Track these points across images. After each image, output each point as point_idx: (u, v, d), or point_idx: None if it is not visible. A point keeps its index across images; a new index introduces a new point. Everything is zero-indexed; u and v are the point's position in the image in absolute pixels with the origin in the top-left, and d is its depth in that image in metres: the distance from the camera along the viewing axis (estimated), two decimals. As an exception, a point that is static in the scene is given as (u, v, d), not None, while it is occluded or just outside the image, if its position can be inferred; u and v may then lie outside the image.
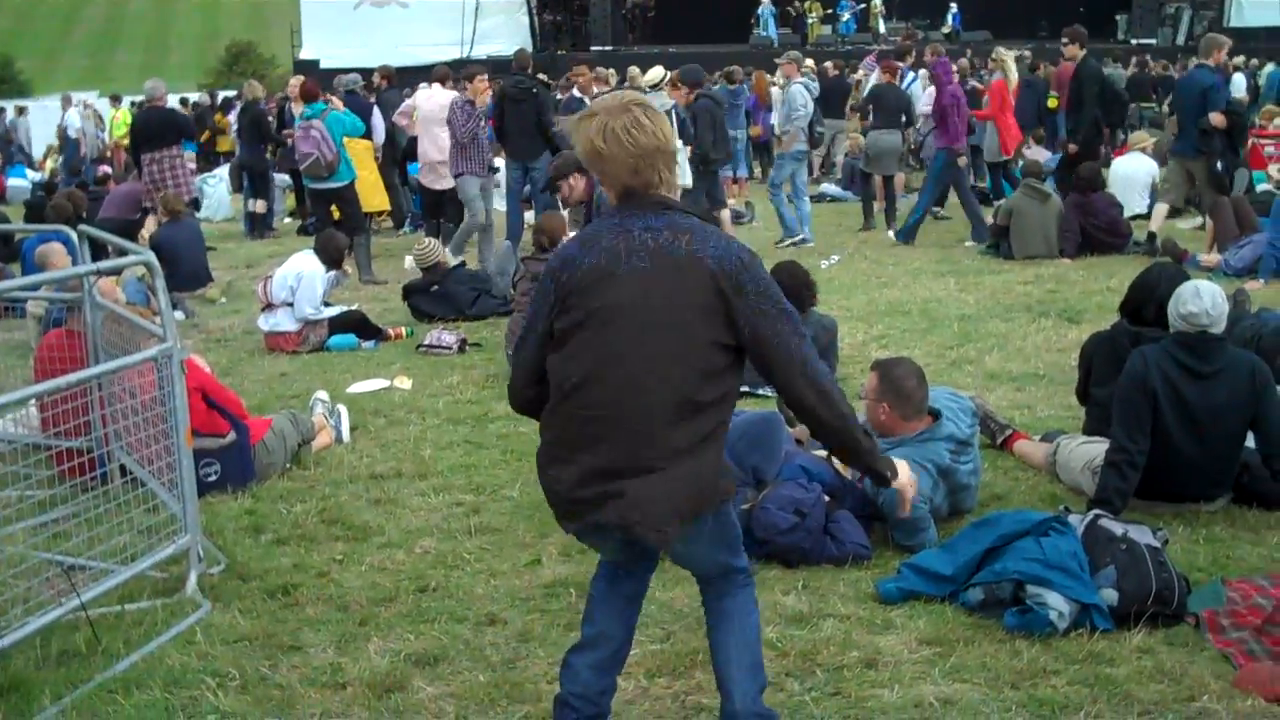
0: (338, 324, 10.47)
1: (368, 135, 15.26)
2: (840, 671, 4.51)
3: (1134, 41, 35.07)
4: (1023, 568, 4.82)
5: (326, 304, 10.54)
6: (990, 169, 17.12)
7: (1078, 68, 14.32)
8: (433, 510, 6.36)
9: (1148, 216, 15.15)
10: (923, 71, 18.14)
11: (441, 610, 5.13)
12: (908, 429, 5.80)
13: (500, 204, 14.87)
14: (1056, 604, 4.68)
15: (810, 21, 36.81)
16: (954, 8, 36.26)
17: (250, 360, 10.12)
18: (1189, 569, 5.11)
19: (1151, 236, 12.99)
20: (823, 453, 6.27)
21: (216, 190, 20.74)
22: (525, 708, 4.33)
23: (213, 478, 6.60)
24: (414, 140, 15.83)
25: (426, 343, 10.04)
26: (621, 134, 3.56)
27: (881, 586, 5.13)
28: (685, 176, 12.55)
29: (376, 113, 16.11)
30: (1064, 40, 15.01)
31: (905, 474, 4.10)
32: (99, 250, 7.34)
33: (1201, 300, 5.65)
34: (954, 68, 15.42)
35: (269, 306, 10.36)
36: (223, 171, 21.64)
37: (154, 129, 15.04)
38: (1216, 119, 12.25)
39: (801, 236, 14.77)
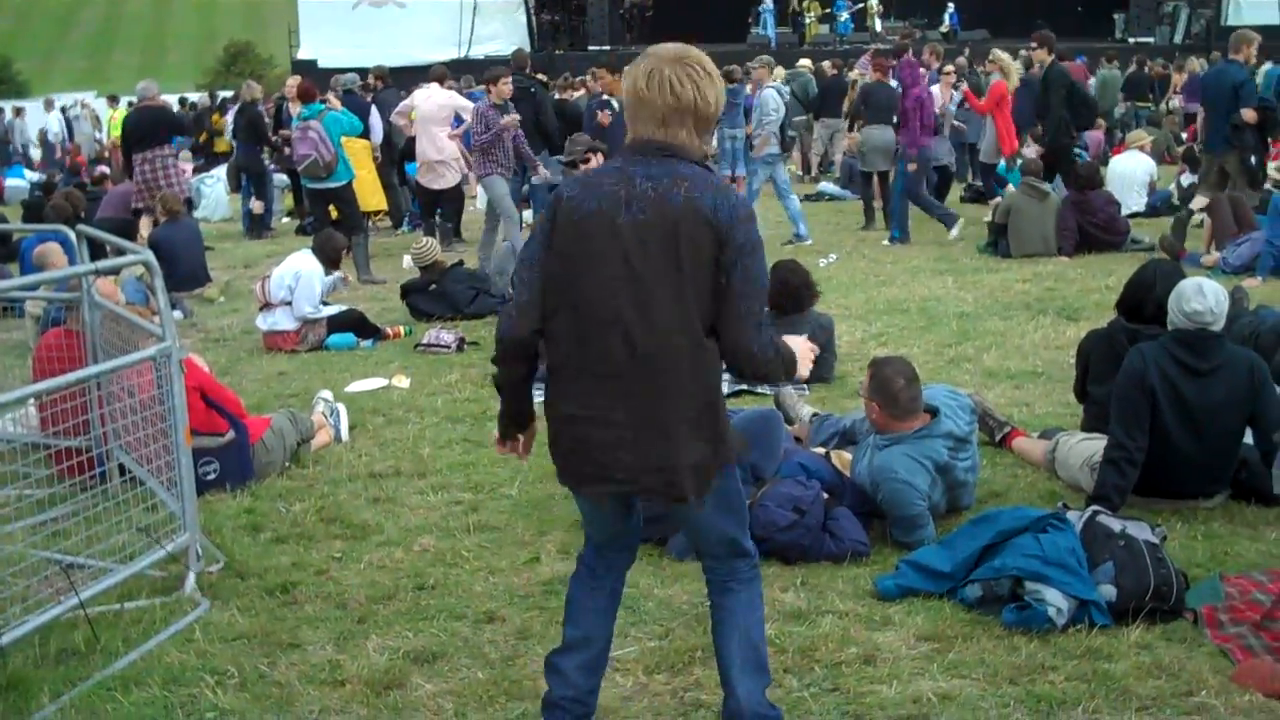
0: (336, 323, 10.47)
1: (365, 135, 15.26)
2: (839, 668, 4.51)
3: (1131, 40, 35.07)
4: (1021, 564, 4.83)
5: (325, 303, 10.54)
6: (984, 169, 17.15)
7: (1046, 71, 14.52)
8: (431, 508, 6.36)
9: (1145, 214, 15.22)
10: (921, 71, 18.16)
11: (440, 608, 5.14)
12: (903, 427, 5.79)
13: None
14: (1055, 600, 4.69)
15: (808, 21, 36.78)
16: (951, 7, 36.23)
17: (249, 359, 10.12)
18: (1187, 565, 5.12)
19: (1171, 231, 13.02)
20: (821, 450, 6.29)
21: (214, 190, 20.73)
22: (524, 705, 4.33)
23: (211, 476, 6.60)
24: (412, 140, 15.83)
25: (425, 341, 10.04)
26: (666, 82, 3.53)
27: (880, 583, 5.14)
28: None
29: (374, 112, 16.10)
30: (1032, 44, 15.14)
31: (800, 346, 3.88)
32: (97, 250, 7.32)
33: (1205, 298, 5.66)
34: (921, 70, 15.51)
35: (267, 306, 10.36)
36: (220, 172, 21.64)
37: (145, 128, 15.01)
38: (1248, 114, 12.37)
39: (795, 233, 14.80)
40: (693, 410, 3.55)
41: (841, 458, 6.16)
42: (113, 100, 29.83)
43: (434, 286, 11.25)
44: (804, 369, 3.85)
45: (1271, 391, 5.74)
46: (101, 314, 6.53)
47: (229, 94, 28.40)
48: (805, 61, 23.56)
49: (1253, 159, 12.72)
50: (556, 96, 18.05)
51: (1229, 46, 13.37)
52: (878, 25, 36.10)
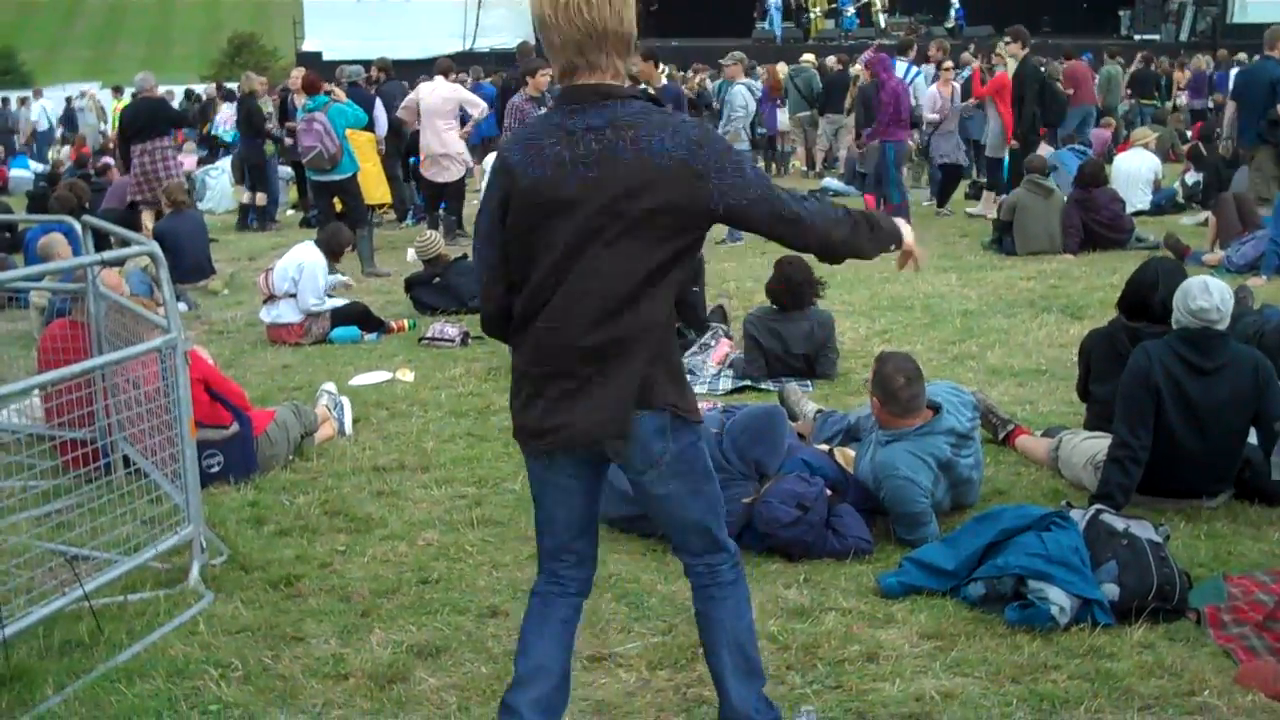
0: (340, 316, 10.47)
1: (370, 128, 15.26)
2: (841, 665, 4.52)
3: (1137, 37, 35.08)
4: (1024, 562, 4.83)
5: (330, 295, 10.55)
6: (990, 164, 17.11)
7: (1019, 66, 14.55)
8: (435, 502, 6.37)
9: (1150, 212, 15.21)
10: (928, 67, 18.16)
11: (444, 602, 5.14)
12: (905, 423, 5.79)
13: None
14: (1058, 599, 4.69)
15: (813, 16, 36.77)
16: (956, 2, 36.21)
17: (253, 352, 10.13)
18: (1190, 565, 5.12)
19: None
20: (825, 446, 6.30)
21: (218, 182, 20.75)
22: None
23: (215, 469, 6.61)
24: (416, 134, 15.82)
25: (429, 335, 10.04)
26: (576, 6, 3.32)
27: (883, 580, 5.14)
28: None
29: (379, 105, 16.10)
30: (1006, 39, 15.21)
31: (909, 237, 3.75)
32: (102, 241, 7.34)
33: (1211, 296, 5.65)
34: (893, 64, 15.70)
35: (271, 298, 10.36)
36: (224, 164, 21.64)
37: (143, 120, 15.01)
38: None
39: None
40: (645, 371, 3.42)
41: (845, 454, 6.17)
42: (117, 91, 29.83)
43: (438, 280, 11.26)
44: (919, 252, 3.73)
45: (1276, 391, 5.73)
46: (106, 305, 6.54)
47: (233, 86, 28.34)
48: (809, 56, 23.53)
49: None
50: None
51: (1265, 43, 13.44)
52: (881, 21, 36.09)
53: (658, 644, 4.71)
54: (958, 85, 16.98)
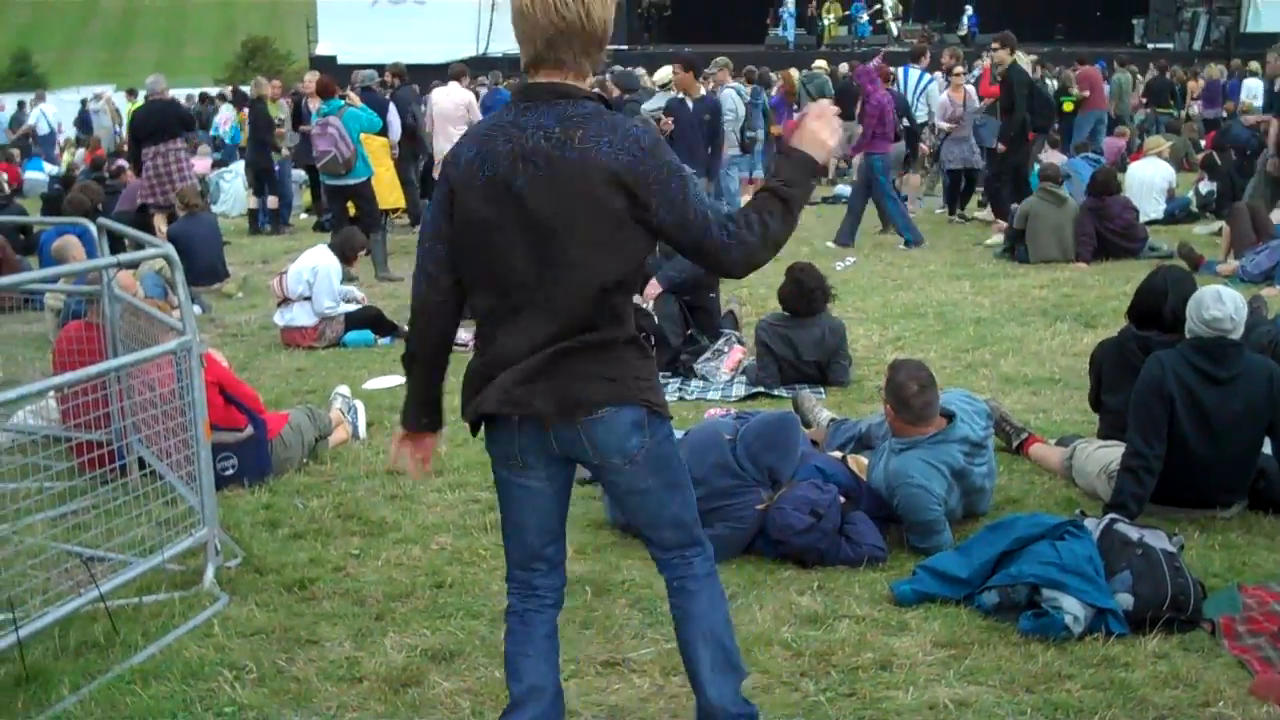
0: (354, 320, 10.49)
1: (384, 132, 15.28)
2: (855, 672, 4.52)
3: (1150, 46, 35.04)
4: (1038, 571, 4.82)
5: (346, 299, 10.59)
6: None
7: (1006, 72, 14.62)
8: (449, 506, 6.38)
9: (1164, 221, 15.20)
10: (939, 74, 18.15)
11: (458, 606, 5.15)
12: (919, 431, 5.79)
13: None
14: (1072, 608, 4.68)
15: (827, 23, 36.79)
16: (970, 10, 36.21)
17: (267, 355, 10.15)
18: (1205, 575, 5.10)
19: None
20: (838, 454, 6.30)
21: (232, 185, 20.79)
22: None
23: (230, 471, 6.62)
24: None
25: (442, 339, 10.03)
26: (552, 1, 3.34)
27: (896, 588, 5.14)
28: None
29: (392, 109, 16.12)
30: (994, 45, 15.26)
31: (818, 141, 3.62)
32: (116, 243, 7.36)
33: (1224, 305, 5.65)
34: (878, 75, 15.77)
35: (285, 301, 10.39)
36: (238, 167, 21.68)
37: (155, 123, 15.04)
38: None
39: None
40: (601, 366, 3.44)
41: (858, 462, 6.16)
42: (131, 94, 29.90)
43: (451, 285, 11.24)
44: (827, 138, 3.59)
45: (1291, 401, 5.73)
46: (121, 307, 6.56)
47: (246, 88, 28.42)
48: (821, 63, 23.56)
49: None
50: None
51: None
52: (893, 28, 36.09)
53: (671, 650, 4.68)
54: (971, 89, 16.98)
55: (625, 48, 35.35)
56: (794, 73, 22.53)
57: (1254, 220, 12.21)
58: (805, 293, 8.47)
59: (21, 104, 33.43)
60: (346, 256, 10.69)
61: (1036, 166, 15.23)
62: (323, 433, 7.30)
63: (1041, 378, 8.46)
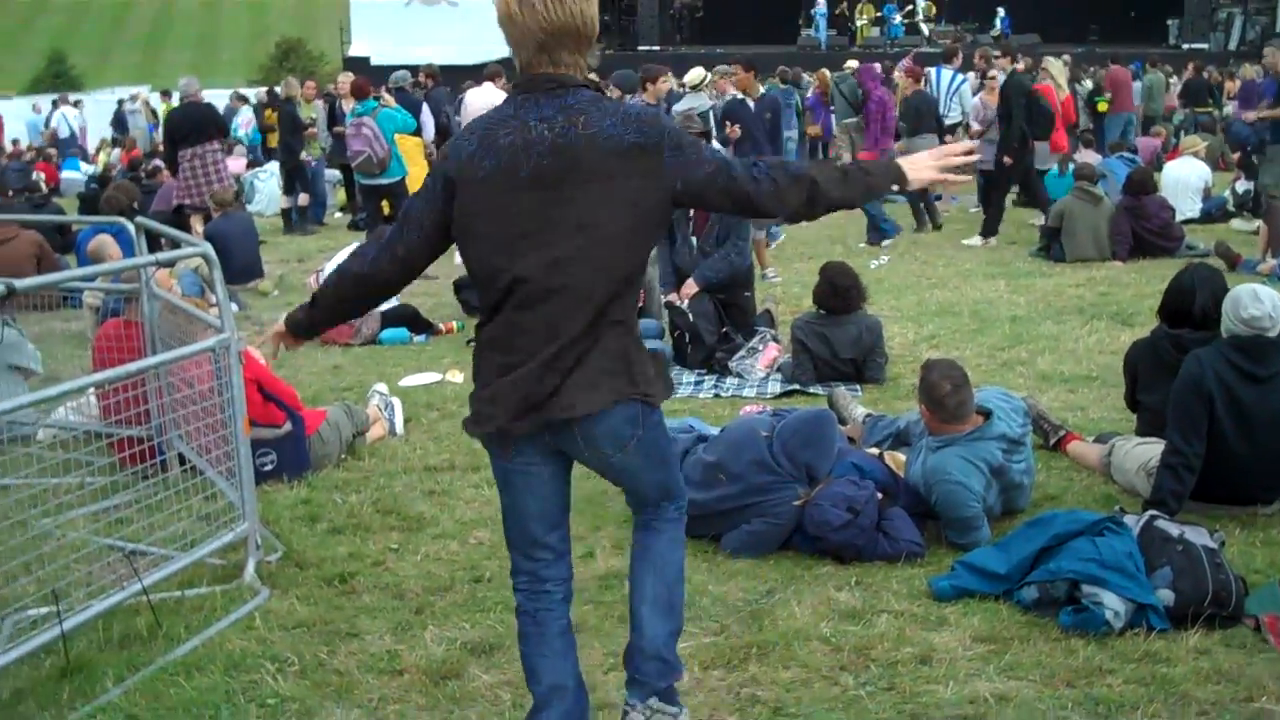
0: (390, 318, 10.54)
1: (418, 132, 15.34)
2: (894, 667, 4.51)
3: (1185, 46, 34.83)
4: (1078, 567, 4.80)
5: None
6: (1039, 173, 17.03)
7: (1006, 80, 14.58)
8: (486, 502, 6.39)
9: (1200, 220, 15.11)
10: (972, 74, 18.09)
11: (496, 600, 5.15)
12: (955, 429, 5.78)
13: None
14: (1112, 604, 4.66)
15: (860, 24, 36.74)
16: (1002, 11, 36.09)
17: (303, 353, 10.15)
18: (1245, 571, 5.08)
19: None
20: (875, 450, 6.29)
21: (267, 185, 20.90)
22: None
23: (269, 467, 6.66)
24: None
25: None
26: (539, 3, 3.36)
27: (935, 584, 5.13)
28: None
29: (426, 110, 16.18)
30: (995, 53, 15.24)
31: (921, 167, 3.68)
32: (153, 242, 7.41)
33: (1262, 304, 5.62)
34: (879, 73, 15.84)
35: (321, 299, 10.42)
36: (273, 166, 21.80)
37: (190, 125, 15.11)
38: None
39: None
40: (608, 362, 3.46)
41: (895, 458, 6.15)
42: (165, 95, 30.11)
43: (486, 283, 11.28)
44: (926, 165, 3.64)
45: (1330, 399, 5.69)
46: (160, 305, 6.60)
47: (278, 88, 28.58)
48: (853, 63, 23.49)
49: None
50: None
51: None
52: (924, 29, 36.00)
53: (710, 644, 4.72)
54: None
55: (657, 48, 35.38)
56: (826, 73, 22.48)
57: (1292, 218, 12.13)
58: (839, 291, 8.46)
59: (55, 104, 33.67)
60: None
61: (1072, 166, 15.17)
62: (360, 429, 7.34)
63: (1078, 375, 8.43)
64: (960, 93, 17.44)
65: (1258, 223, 13.41)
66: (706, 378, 8.78)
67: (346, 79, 16.93)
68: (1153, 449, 6.01)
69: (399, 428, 7.72)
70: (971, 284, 12.00)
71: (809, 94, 21.36)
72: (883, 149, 14.72)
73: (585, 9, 3.42)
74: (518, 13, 3.39)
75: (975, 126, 16.47)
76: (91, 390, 6.70)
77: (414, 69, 18.64)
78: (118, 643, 4.85)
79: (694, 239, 9.20)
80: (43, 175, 22.81)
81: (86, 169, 26.57)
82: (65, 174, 25.96)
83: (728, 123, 12.90)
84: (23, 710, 4.36)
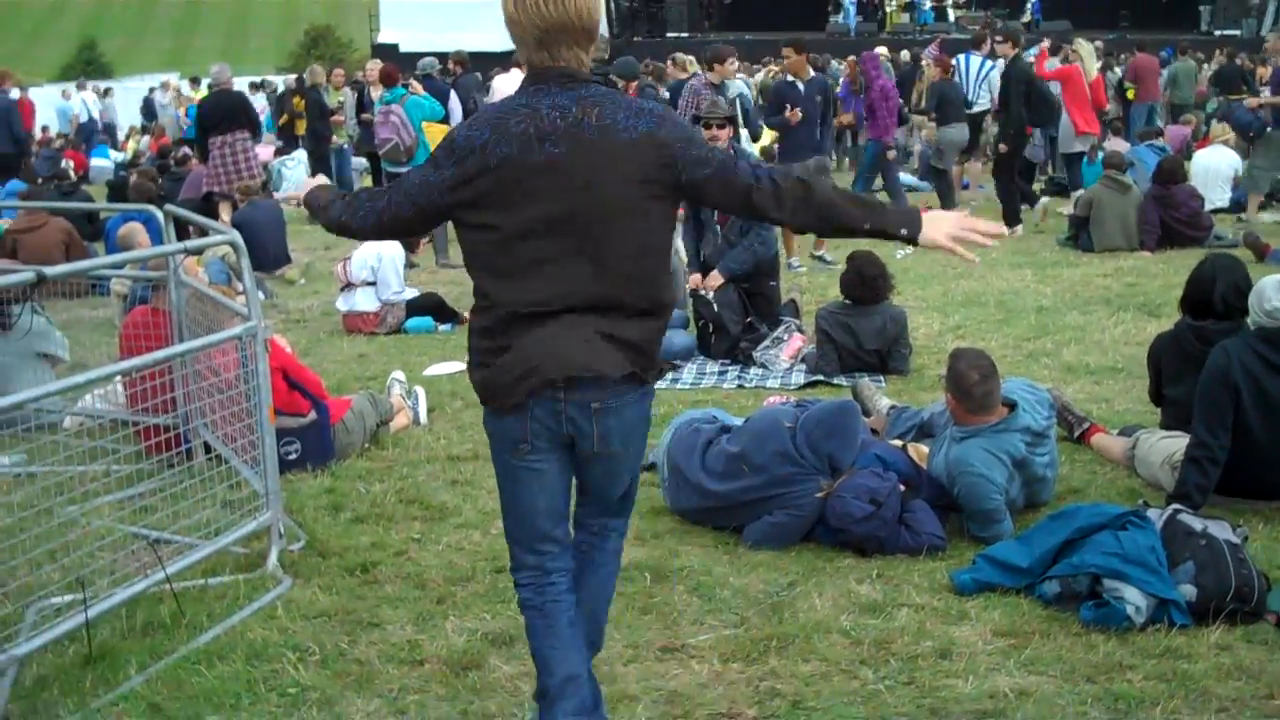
0: (415, 307, 10.58)
1: (446, 120, 15.34)
2: (914, 661, 4.50)
3: (1217, 33, 34.56)
4: (1100, 561, 4.79)
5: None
6: (1067, 160, 16.95)
7: (1007, 67, 14.52)
8: (508, 492, 6.40)
9: (1229, 210, 15.01)
10: (1000, 61, 18.02)
11: (517, 591, 5.17)
12: (980, 420, 5.77)
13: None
14: (1134, 598, 4.65)
15: (890, 9, 36.58)
16: (1033, -3, 35.91)
17: (329, 341, 10.24)
18: (1269, 566, 5.05)
19: None
20: (898, 442, 6.28)
21: (295, 172, 20.93)
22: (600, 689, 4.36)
23: (293, 456, 6.69)
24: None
25: (502, 326, 10.09)
26: (539, 3, 3.39)
27: (956, 577, 5.12)
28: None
29: (454, 97, 16.18)
30: (998, 39, 15.17)
31: (939, 228, 3.56)
32: (181, 230, 7.44)
33: (1287, 295, 5.59)
34: (881, 61, 15.80)
35: (349, 286, 10.48)
36: (301, 154, 21.85)
37: (221, 113, 15.14)
38: None
39: None
40: (624, 343, 3.48)
41: (919, 450, 6.14)
42: (194, 82, 30.21)
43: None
44: (946, 227, 3.54)
45: (1359, 392, 5.65)
46: (187, 293, 6.64)
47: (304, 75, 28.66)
48: (882, 50, 23.41)
49: None
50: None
51: None
52: (950, 15, 35.81)
53: (730, 636, 4.72)
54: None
55: (686, 35, 35.31)
56: (851, 60, 22.43)
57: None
58: (866, 281, 8.46)
59: (77, 87, 33.79)
60: (409, 243, 10.77)
61: (1100, 155, 15.09)
62: (384, 418, 7.36)
63: (1104, 367, 8.39)
64: (989, 79, 17.36)
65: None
66: (730, 368, 8.78)
67: (375, 66, 16.91)
68: (1177, 443, 5.99)
69: (423, 417, 7.74)
70: (998, 274, 11.96)
71: (839, 82, 21.24)
72: (879, 138, 14.65)
73: (582, 5, 3.43)
74: (514, 11, 3.45)
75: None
76: (118, 378, 6.74)
77: (443, 56, 18.61)
78: (141, 630, 4.87)
79: (718, 228, 9.20)
80: (71, 163, 22.90)
81: (115, 156, 26.69)
82: (94, 161, 26.08)
83: (787, 105, 12.83)
84: (46, 697, 4.40)
